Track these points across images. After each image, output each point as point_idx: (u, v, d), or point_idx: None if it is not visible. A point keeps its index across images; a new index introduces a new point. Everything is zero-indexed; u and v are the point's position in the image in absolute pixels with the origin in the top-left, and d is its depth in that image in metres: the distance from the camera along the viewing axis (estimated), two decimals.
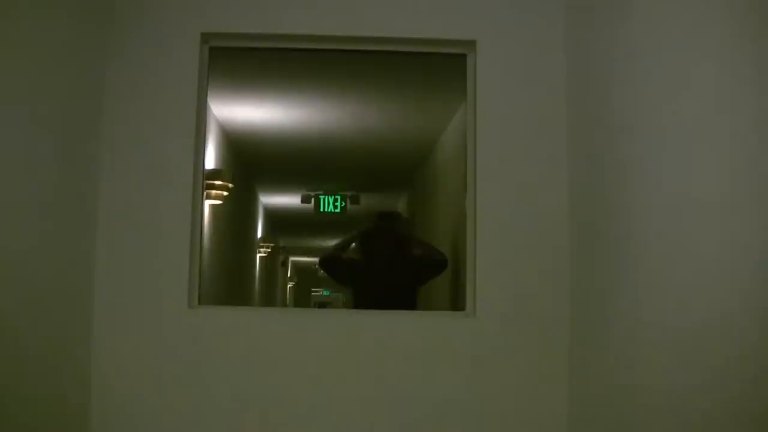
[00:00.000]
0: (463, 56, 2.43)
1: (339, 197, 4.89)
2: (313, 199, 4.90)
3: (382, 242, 3.06)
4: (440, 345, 2.30)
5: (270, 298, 6.45)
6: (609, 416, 1.92)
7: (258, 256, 5.70)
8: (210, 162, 3.26)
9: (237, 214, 4.48)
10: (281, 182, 5.35)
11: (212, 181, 3.34)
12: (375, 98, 3.21)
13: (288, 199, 5.36)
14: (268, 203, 5.95)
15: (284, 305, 7.43)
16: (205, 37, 2.37)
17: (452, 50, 2.43)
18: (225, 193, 3.52)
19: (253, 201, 5.58)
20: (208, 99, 2.39)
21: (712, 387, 1.39)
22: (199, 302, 2.32)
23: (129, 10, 2.34)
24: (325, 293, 6.20)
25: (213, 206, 3.15)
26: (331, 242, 3.19)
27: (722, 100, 1.39)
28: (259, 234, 5.88)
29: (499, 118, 2.36)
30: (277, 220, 6.27)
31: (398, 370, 2.22)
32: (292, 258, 7.21)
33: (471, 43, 2.40)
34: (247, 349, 2.22)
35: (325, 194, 4.89)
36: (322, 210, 4.86)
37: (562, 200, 2.32)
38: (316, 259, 3.59)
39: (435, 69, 2.43)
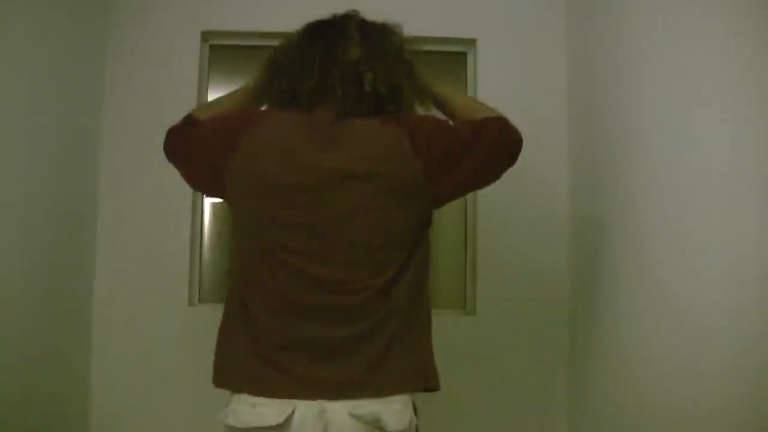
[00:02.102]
0: (464, 54, 2.43)
1: None
2: None
3: None
4: (439, 343, 2.30)
5: None
6: (609, 415, 1.92)
7: None
8: None
9: None
10: None
11: None
12: None
13: None
14: None
15: None
16: (206, 36, 2.37)
17: (452, 48, 2.43)
18: None
19: None
20: (209, 98, 2.39)
21: (714, 386, 1.39)
22: (200, 300, 2.32)
23: (128, 10, 2.34)
24: None
25: (213, 204, 3.15)
26: None
27: (728, 96, 1.39)
28: None
29: None
30: None
31: None
32: None
33: (471, 42, 2.40)
34: None
35: None
36: None
37: (563, 199, 2.32)
38: None
39: (434, 67, 2.43)
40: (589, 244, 2.12)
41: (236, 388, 1.38)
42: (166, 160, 2.19)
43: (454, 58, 2.43)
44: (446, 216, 2.34)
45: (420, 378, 1.43)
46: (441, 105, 1.61)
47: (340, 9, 2.37)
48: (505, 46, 2.38)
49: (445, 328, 2.30)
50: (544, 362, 2.28)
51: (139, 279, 2.25)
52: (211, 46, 2.40)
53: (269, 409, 1.30)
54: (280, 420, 1.28)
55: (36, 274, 1.85)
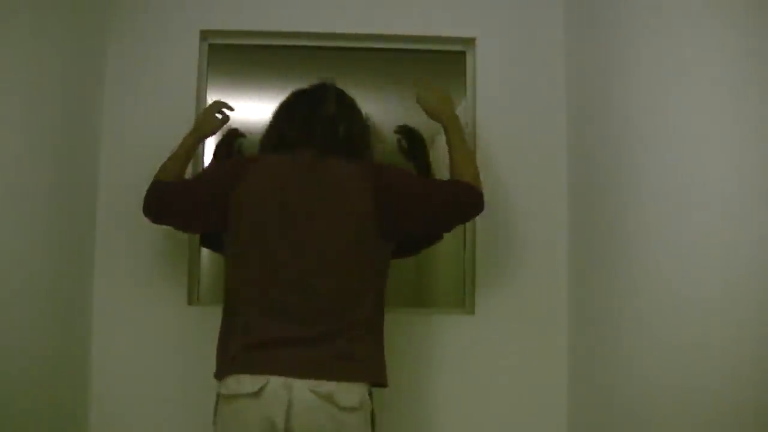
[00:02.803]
0: (463, 54, 2.43)
1: None
2: None
3: None
4: (438, 343, 2.30)
5: None
6: (609, 414, 1.92)
7: None
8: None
9: None
10: None
11: None
12: (374, 95, 3.20)
13: None
14: None
15: None
16: (205, 35, 2.37)
17: (452, 48, 2.43)
18: None
19: None
20: (208, 97, 2.39)
21: (714, 385, 1.39)
22: (199, 300, 2.32)
23: (128, 9, 2.34)
24: None
25: None
26: None
27: (726, 94, 1.39)
28: None
29: (498, 116, 2.36)
30: None
31: (395, 368, 2.22)
32: None
33: (470, 41, 2.40)
34: None
35: None
36: None
37: (562, 198, 2.33)
38: None
39: (434, 66, 2.43)
40: (589, 245, 2.12)
41: (227, 372, 1.69)
42: (165, 158, 2.20)
43: (454, 57, 2.43)
44: None
45: (371, 373, 1.71)
46: (448, 137, 1.99)
47: (342, 11, 2.38)
48: (504, 46, 2.38)
49: (444, 328, 2.30)
50: (543, 362, 2.28)
51: (138, 279, 2.25)
52: (210, 45, 2.40)
53: (248, 382, 1.63)
54: (255, 389, 1.60)
55: (36, 275, 1.85)
